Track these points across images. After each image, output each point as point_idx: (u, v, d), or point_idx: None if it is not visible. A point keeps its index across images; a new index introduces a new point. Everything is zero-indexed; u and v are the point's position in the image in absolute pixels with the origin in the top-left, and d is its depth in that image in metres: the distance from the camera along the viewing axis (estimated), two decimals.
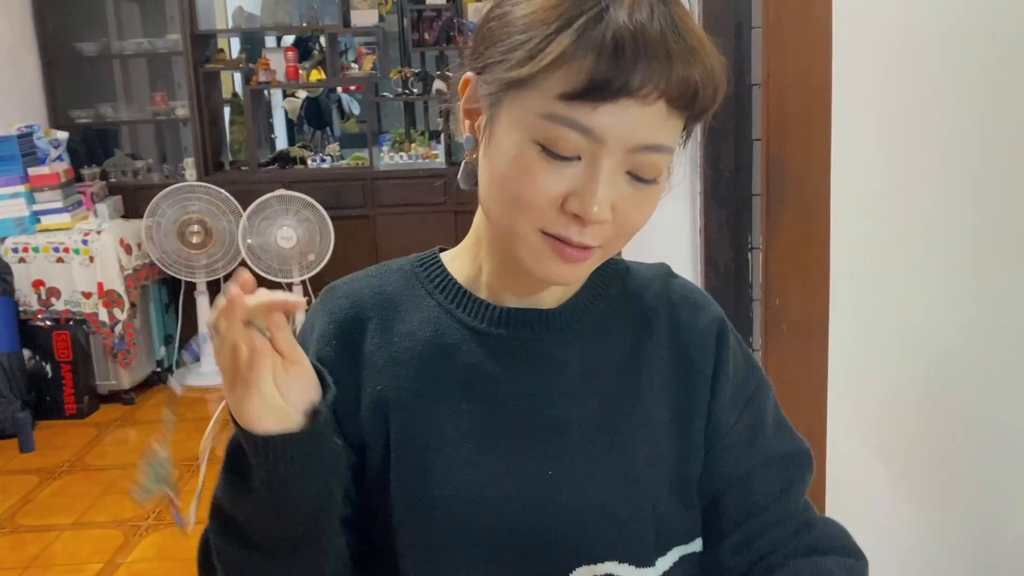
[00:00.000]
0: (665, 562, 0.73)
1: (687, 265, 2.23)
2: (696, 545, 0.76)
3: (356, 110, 7.11)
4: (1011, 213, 0.91)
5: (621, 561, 0.70)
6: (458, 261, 0.78)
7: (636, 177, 0.65)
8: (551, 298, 0.76)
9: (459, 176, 0.73)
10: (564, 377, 0.74)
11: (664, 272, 0.81)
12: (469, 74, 0.69)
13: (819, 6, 1.56)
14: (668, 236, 2.15)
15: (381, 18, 4.67)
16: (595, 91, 0.60)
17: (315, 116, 6.77)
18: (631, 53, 0.59)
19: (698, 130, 1.83)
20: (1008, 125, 0.91)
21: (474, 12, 4.68)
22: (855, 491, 1.22)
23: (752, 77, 1.99)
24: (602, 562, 0.70)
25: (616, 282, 0.79)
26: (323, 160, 4.64)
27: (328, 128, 6.89)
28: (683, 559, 0.75)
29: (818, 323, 1.66)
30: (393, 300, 0.77)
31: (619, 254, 0.74)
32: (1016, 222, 0.91)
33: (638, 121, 0.62)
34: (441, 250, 0.81)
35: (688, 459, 0.75)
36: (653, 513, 0.72)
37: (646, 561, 0.71)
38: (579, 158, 0.64)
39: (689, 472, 0.75)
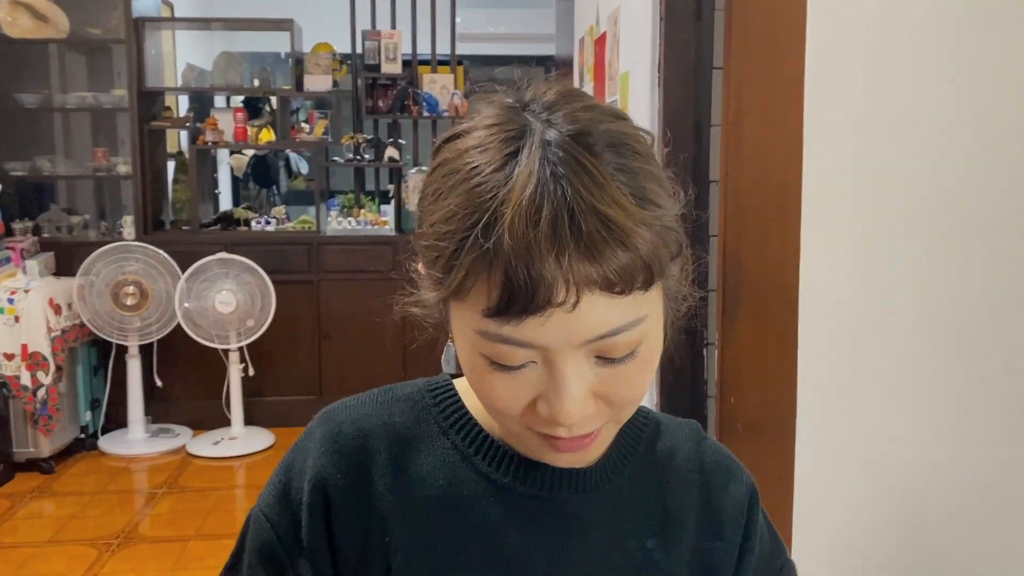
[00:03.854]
0: None
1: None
2: None
3: (304, 169, 7.03)
4: (994, 329, 0.89)
5: None
6: (474, 395, 0.70)
7: (608, 359, 0.57)
8: None
9: (443, 360, 0.67)
10: (590, 545, 0.68)
11: (695, 432, 0.76)
12: (421, 266, 0.63)
13: (786, 105, 1.56)
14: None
15: (335, 84, 4.64)
16: (509, 309, 0.53)
17: (262, 174, 6.67)
18: (531, 262, 0.52)
19: None
20: (990, 235, 0.89)
21: (429, 82, 4.69)
22: None
23: (710, 174, 1.99)
24: None
25: (646, 440, 0.73)
26: (268, 222, 4.54)
27: (275, 187, 6.79)
28: None
29: (777, 425, 1.62)
30: (404, 436, 0.69)
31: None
32: (999, 341, 0.88)
33: (575, 321, 0.54)
34: (454, 377, 0.73)
35: None
36: None
37: None
38: (534, 361, 0.57)
39: None
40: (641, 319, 0.57)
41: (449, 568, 0.65)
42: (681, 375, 2.10)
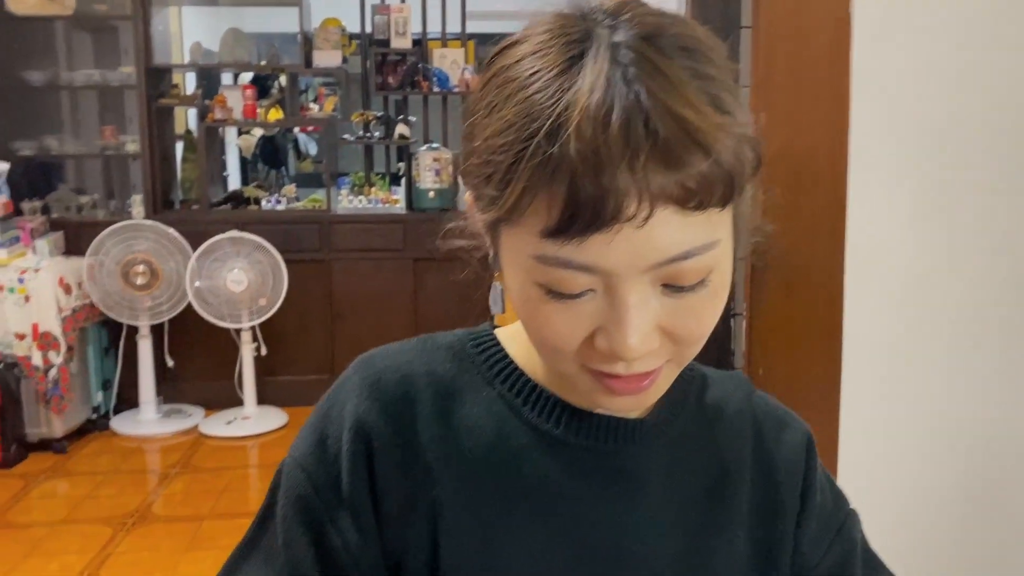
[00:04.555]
0: None
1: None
2: None
3: (313, 150, 6.99)
4: None
5: None
6: (517, 344, 0.66)
7: (676, 288, 0.52)
8: None
9: (490, 300, 0.62)
10: (646, 501, 0.63)
11: (744, 383, 0.71)
12: (468, 195, 0.58)
13: (826, 62, 1.50)
14: None
15: (344, 60, 4.58)
16: (573, 226, 0.49)
17: (270, 155, 6.63)
18: (600, 170, 0.47)
19: None
20: None
21: (439, 58, 4.62)
22: None
23: None
24: None
25: (694, 392, 0.68)
26: (278, 202, 4.50)
27: (283, 168, 6.75)
28: None
29: (814, 395, 1.58)
30: (447, 385, 0.64)
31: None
32: None
33: (644, 240, 0.49)
34: (495, 327, 0.68)
35: None
36: None
37: None
38: (594, 290, 0.52)
39: None
40: (714, 243, 0.52)
41: (499, 527, 0.61)
42: (707, 346, 2.05)
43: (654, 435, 0.64)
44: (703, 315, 0.54)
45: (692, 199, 0.49)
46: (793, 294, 1.75)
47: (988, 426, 0.93)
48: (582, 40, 0.51)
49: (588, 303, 0.52)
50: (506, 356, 0.65)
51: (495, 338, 0.67)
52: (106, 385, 4.24)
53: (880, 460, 1.17)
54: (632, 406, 0.58)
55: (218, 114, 4.39)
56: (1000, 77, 0.87)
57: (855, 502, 0.70)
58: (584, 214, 0.48)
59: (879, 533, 0.61)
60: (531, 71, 0.51)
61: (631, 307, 0.51)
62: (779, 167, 1.82)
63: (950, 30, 0.96)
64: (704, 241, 0.51)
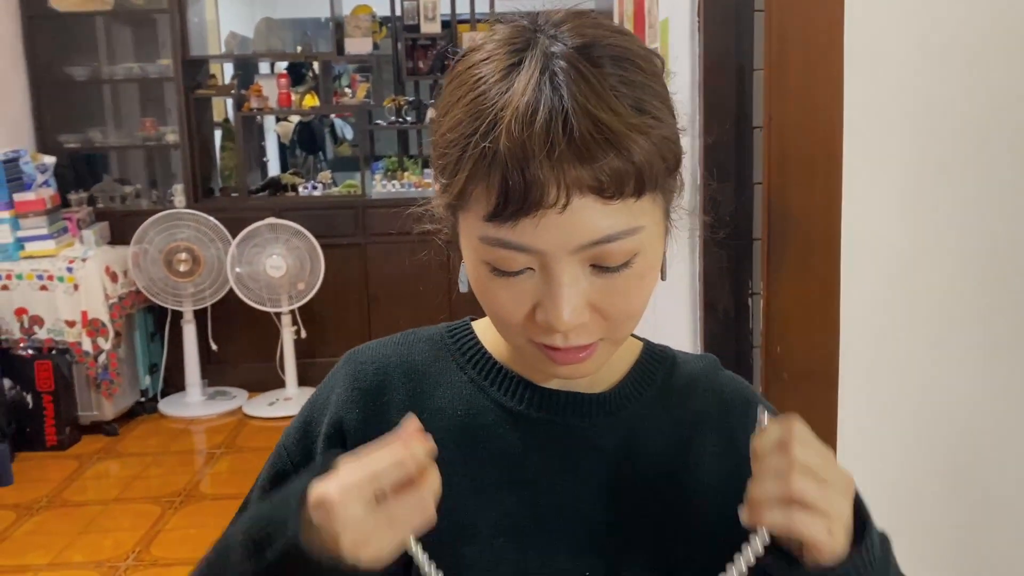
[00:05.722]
0: None
1: (686, 310, 2.18)
2: None
3: (349, 135, 7.07)
4: None
5: None
6: (491, 332, 0.73)
7: (603, 268, 0.59)
8: (593, 381, 0.70)
9: (459, 279, 0.68)
10: (608, 469, 0.69)
11: (713, 363, 0.76)
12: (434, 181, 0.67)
13: (827, 45, 1.51)
14: (666, 281, 2.10)
15: (375, 46, 4.64)
16: (505, 211, 0.56)
17: (308, 140, 6.73)
18: (525, 163, 0.54)
19: (697, 173, 1.76)
20: None
21: (469, 40, 4.65)
22: None
23: (754, 120, 1.95)
24: None
25: (662, 371, 0.74)
26: (314, 187, 4.58)
27: (321, 152, 6.85)
28: None
29: (823, 374, 1.60)
30: (421, 372, 0.72)
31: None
32: None
33: (568, 225, 0.56)
34: (473, 319, 0.76)
35: None
36: None
37: None
38: (532, 269, 0.59)
39: None
40: (636, 229, 0.58)
41: (468, 495, 0.67)
42: (727, 325, 2.07)
43: (615, 408, 0.70)
44: (630, 294, 0.61)
45: (606, 190, 0.55)
46: (806, 273, 1.77)
47: (976, 406, 0.95)
48: (523, 49, 0.58)
49: (527, 280, 0.59)
50: (478, 343, 0.73)
51: (470, 328, 0.75)
52: (153, 369, 4.39)
53: (875, 435, 1.20)
54: (574, 375, 0.64)
55: (254, 103, 4.48)
56: (999, 55, 0.89)
57: (858, 470, 0.72)
58: (514, 201, 0.55)
59: (879, 510, 0.64)
60: (477, 77, 0.58)
61: (563, 285, 0.58)
62: (797, 141, 1.83)
63: (948, 8, 0.98)
64: (625, 227, 0.58)
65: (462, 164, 0.57)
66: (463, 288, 0.68)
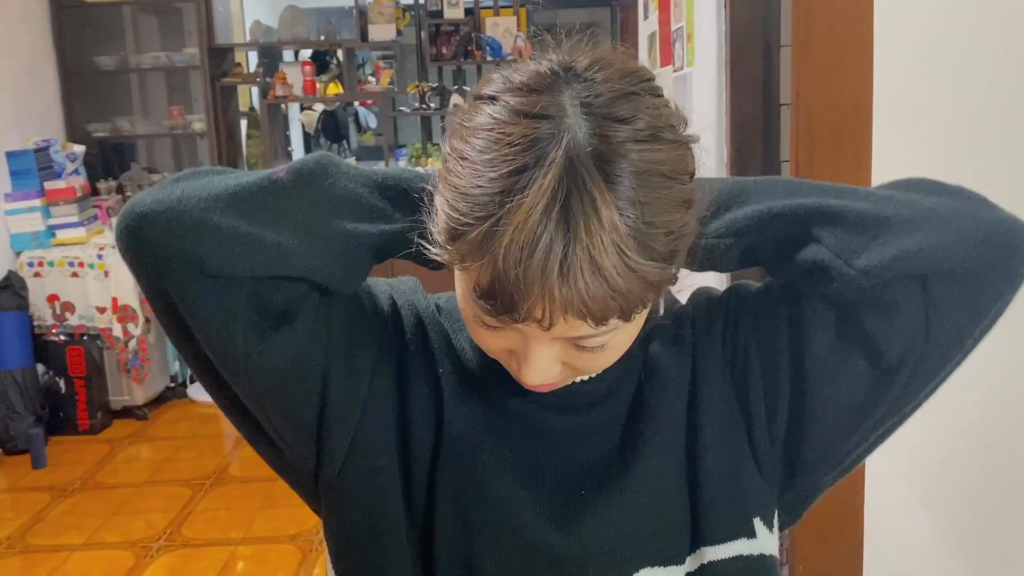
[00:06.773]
0: (694, 561, 0.71)
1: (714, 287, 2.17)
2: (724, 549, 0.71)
3: (373, 123, 7.10)
4: None
5: (653, 566, 0.69)
6: None
7: (579, 347, 0.61)
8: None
9: None
10: (605, 445, 0.71)
11: (679, 313, 0.78)
12: (437, 199, 0.64)
13: (857, 22, 1.50)
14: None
15: (399, 33, 4.64)
16: (493, 305, 0.57)
17: (332, 129, 6.77)
18: (517, 286, 0.54)
19: (724, 151, 1.75)
20: None
21: (491, 26, 4.65)
22: (895, 544, 1.15)
23: (781, 97, 1.93)
24: (636, 572, 0.68)
25: (641, 352, 0.74)
26: None
27: (345, 141, 6.88)
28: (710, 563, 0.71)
29: None
30: (449, 338, 0.75)
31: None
32: None
33: (552, 329, 0.58)
34: None
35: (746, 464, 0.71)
36: (691, 512, 0.70)
37: (677, 560, 0.70)
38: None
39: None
40: (615, 328, 0.60)
41: (482, 451, 0.70)
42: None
43: (608, 397, 0.72)
44: (601, 360, 0.64)
45: (593, 318, 0.56)
46: None
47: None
48: (542, 143, 0.55)
49: (509, 333, 0.61)
50: None
51: None
52: None
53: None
54: (542, 392, 0.67)
55: (279, 91, 4.51)
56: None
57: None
58: (502, 304, 0.56)
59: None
60: (486, 159, 0.56)
61: (536, 355, 0.61)
62: (825, 119, 1.82)
63: None
64: (604, 330, 0.59)
65: (457, 244, 0.57)
66: None
